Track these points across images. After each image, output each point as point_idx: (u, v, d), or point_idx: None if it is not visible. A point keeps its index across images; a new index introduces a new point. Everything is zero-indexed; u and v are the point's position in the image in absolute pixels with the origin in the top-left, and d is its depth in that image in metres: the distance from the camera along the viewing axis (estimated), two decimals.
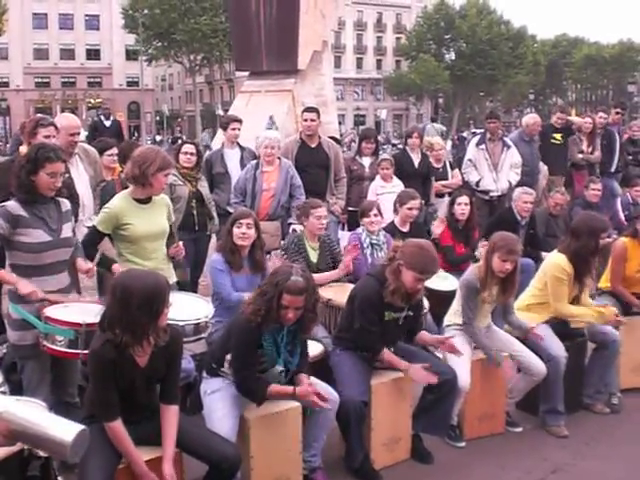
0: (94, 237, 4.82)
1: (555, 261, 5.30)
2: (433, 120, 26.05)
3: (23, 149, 5.60)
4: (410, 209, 6.70)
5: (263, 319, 3.95)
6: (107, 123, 14.13)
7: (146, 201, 4.78)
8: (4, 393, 3.81)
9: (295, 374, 4.20)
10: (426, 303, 5.56)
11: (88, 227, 5.64)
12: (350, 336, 4.71)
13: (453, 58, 69.49)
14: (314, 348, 4.73)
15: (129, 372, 3.45)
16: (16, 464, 3.11)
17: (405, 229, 6.67)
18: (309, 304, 4.02)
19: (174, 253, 4.95)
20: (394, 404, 4.63)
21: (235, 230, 5.01)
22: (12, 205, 4.04)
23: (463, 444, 4.95)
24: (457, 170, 9.22)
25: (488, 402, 5.04)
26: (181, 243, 5.05)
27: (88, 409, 3.57)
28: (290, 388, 4.05)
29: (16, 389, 4.13)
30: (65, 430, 2.76)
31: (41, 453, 3.13)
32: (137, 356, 3.48)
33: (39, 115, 6.31)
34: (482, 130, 9.89)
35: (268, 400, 4.06)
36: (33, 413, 2.91)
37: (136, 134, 54.43)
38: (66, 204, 4.32)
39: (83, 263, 4.44)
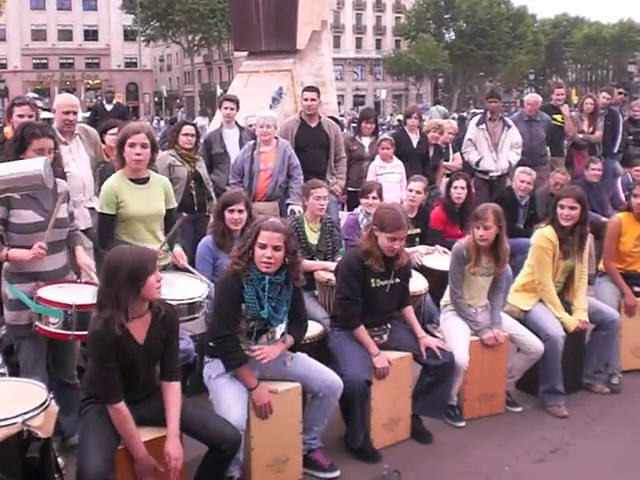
0: (104, 223, 4.71)
1: (540, 232, 5.34)
2: (437, 102, 25.84)
3: (7, 130, 5.58)
4: (410, 190, 6.68)
5: (243, 264, 3.92)
6: (109, 107, 13.11)
7: (142, 182, 4.73)
8: (3, 374, 3.81)
9: (288, 337, 4.11)
10: (426, 283, 5.55)
11: (89, 208, 5.63)
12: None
13: (453, 38, 69.22)
14: (313, 328, 4.73)
15: (129, 350, 3.43)
16: (15, 446, 3.08)
17: (412, 214, 6.48)
18: (289, 246, 3.94)
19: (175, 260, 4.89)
20: (394, 384, 4.62)
21: (227, 215, 5.00)
22: None
23: (463, 424, 4.95)
24: (458, 154, 9.19)
25: (488, 382, 5.03)
26: (180, 251, 4.92)
27: (87, 390, 3.56)
28: (254, 382, 3.97)
29: (15, 370, 4.12)
30: (32, 163, 3.19)
31: (40, 434, 3.11)
32: (134, 332, 3.45)
33: (17, 95, 6.30)
34: (482, 110, 9.83)
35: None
36: None
37: (136, 116, 54.24)
38: (63, 185, 4.27)
39: (83, 256, 4.34)
